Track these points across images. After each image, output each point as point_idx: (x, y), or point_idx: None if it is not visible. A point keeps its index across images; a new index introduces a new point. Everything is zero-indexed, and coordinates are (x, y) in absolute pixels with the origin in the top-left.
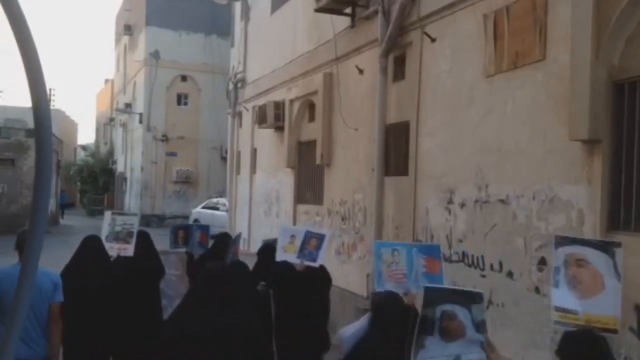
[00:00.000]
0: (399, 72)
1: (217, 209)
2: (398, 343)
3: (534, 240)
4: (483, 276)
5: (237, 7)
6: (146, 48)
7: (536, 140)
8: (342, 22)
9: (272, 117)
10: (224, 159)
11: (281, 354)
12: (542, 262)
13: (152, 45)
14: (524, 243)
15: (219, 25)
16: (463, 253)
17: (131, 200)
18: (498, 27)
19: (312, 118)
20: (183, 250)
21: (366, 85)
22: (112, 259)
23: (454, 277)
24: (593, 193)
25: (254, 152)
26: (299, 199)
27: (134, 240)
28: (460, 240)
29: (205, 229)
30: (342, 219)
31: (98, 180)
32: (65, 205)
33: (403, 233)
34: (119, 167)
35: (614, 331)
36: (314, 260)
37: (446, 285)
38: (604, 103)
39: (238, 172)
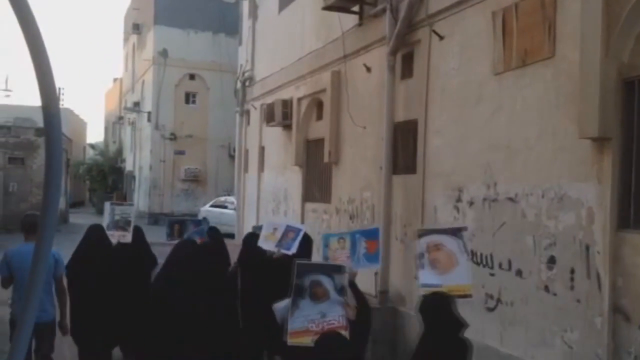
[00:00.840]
0: (407, 70)
1: (225, 207)
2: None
3: (543, 239)
4: (492, 275)
5: (245, 6)
6: (154, 47)
7: (545, 138)
8: (350, 20)
9: (280, 115)
10: (232, 157)
11: (245, 326)
12: (552, 260)
13: (160, 44)
14: (533, 241)
15: (227, 23)
16: (472, 251)
17: (140, 199)
18: (507, 25)
19: (320, 116)
20: (178, 242)
21: (374, 84)
22: (113, 245)
23: None
24: (603, 191)
25: (261, 150)
26: (307, 197)
27: (131, 227)
28: (469, 239)
29: (198, 223)
30: (350, 218)
31: (107, 179)
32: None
33: (411, 231)
34: (128, 166)
35: (469, 296)
36: (289, 249)
37: (368, 262)
38: (613, 101)
39: (246, 171)
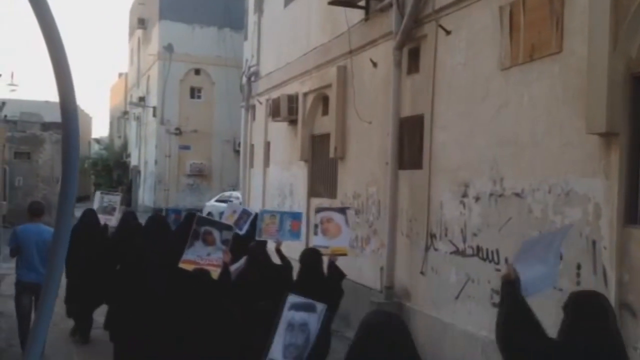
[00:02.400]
0: (414, 65)
1: (230, 202)
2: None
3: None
4: (498, 270)
5: (251, 0)
6: (160, 41)
7: (552, 133)
8: (356, 14)
9: (286, 110)
10: (237, 152)
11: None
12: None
13: (165, 38)
14: None
15: (232, 18)
16: (477, 247)
17: (145, 194)
18: (514, 19)
19: (325, 111)
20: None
21: (380, 79)
22: (101, 225)
23: (468, 270)
24: (610, 186)
25: (267, 145)
26: (313, 192)
27: (116, 212)
28: (475, 234)
29: (178, 212)
30: (356, 213)
31: (112, 174)
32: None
33: (417, 226)
34: (133, 161)
35: (345, 254)
36: (241, 229)
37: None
38: (621, 96)
39: (251, 166)
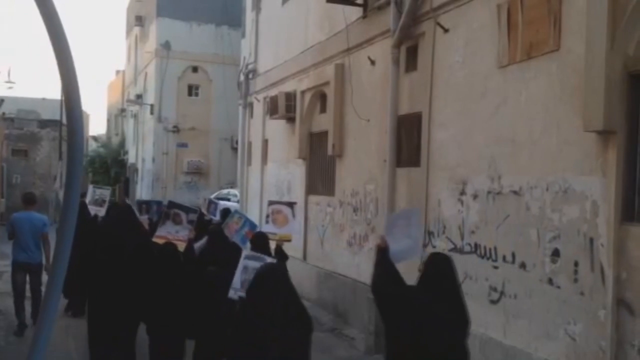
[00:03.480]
0: (412, 63)
1: (228, 199)
2: None
3: (547, 232)
4: (495, 267)
5: None
6: (157, 39)
7: (550, 131)
8: (354, 12)
9: (284, 108)
10: (235, 150)
11: None
12: (556, 253)
13: (163, 36)
14: (537, 234)
15: (230, 15)
16: (475, 244)
17: (142, 191)
18: (512, 18)
19: (323, 109)
20: (146, 217)
21: (378, 76)
22: (91, 215)
23: (466, 268)
24: (607, 184)
25: (265, 143)
26: (311, 190)
27: (106, 204)
28: (473, 232)
29: (159, 204)
30: (354, 210)
31: (110, 171)
32: None
33: None
34: (131, 158)
35: (290, 240)
36: (214, 215)
37: (240, 241)
38: (619, 94)
39: (249, 163)
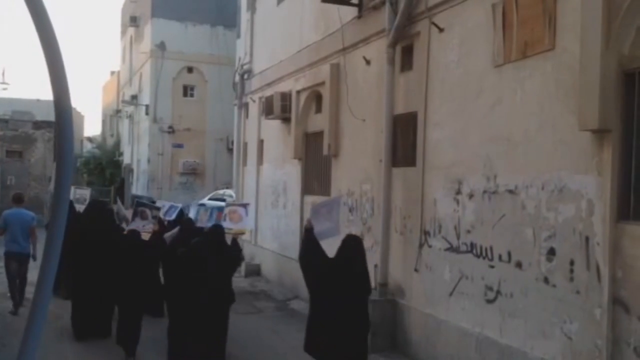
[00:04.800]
0: (407, 62)
1: (223, 200)
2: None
3: (542, 231)
4: (492, 267)
5: None
6: (152, 39)
7: (545, 130)
8: (349, 12)
9: (279, 108)
10: (231, 150)
11: None
12: (551, 252)
13: (158, 36)
14: (532, 233)
15: (225, 16)
16: (471, 244)
17: (138, 192)
18: (507, 17)
19: (319, 109)
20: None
21: (373, 76)
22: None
23: (462, 267)
24: (603, 183)
25: (260, 143)
26: (306, 190)
27: (86, 202)
28: (469, 231)
29: (150, 200)
30: (350, 210)
31: (105, 172)
32: None
33: (411, 223)
34: (126, 159)
35: (244, 234)
36: (170, 217)
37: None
38: (614, 93)
39: (245, 164)
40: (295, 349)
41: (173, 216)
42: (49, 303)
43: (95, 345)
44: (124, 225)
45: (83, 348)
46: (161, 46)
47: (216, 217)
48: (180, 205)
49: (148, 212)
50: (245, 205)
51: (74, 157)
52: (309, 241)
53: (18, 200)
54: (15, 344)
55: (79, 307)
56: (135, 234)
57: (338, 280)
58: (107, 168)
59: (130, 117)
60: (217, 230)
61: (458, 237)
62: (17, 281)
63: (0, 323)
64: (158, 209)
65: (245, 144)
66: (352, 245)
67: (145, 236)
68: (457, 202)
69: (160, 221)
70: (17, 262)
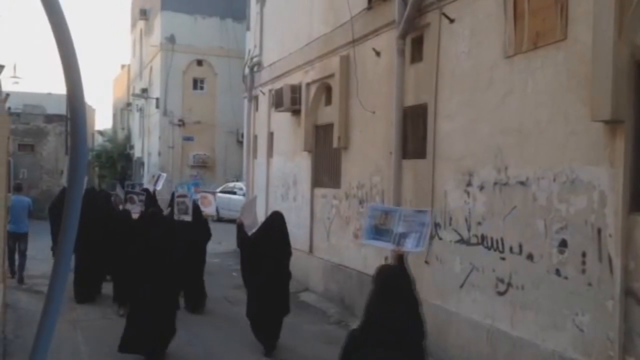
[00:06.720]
0: (417, 54)
1: (234, 193)
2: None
3: (554, 223)
4: (503, 259)
5: None
6: (162, 33)
7: (557, 121)
8: (359, 3)
9: (289, 100)
10: (241, 143)
11: None
12: (563, 244)
13: (167, 29)
14: (544, 225)
15: (234, 8)
16: (482, 236)
17: (148, 185)
18: (518, 7)
19: (329, 101)
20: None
21: (383, 68)
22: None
23: (472, 259)
24: (615, 174)
25: (270, 136)
26: (317, 182)
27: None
28: (479, 223)
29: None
30: (360, 202)
31: (116, 166)
32: None
33: None
34: (137, 152)
35: (212, 216)
36: (157, 186)
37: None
38: (626, 83)
39: (255, 156)
40: (308, 341)
41: (159, 186)
42: (63, 296)
43: (106, 335)
44: (120, 207)
45: (95, 339)
46: (171, 39)
47: (194, 191)
48: (165, 175)
49: (135, 197)
50: (214, 193)
51: (87, 150)
52: (241, 232)
53: (18, 188)
54: (29, 334)
55: (78, 276)
56: (127, 213)
57: (258, 254)
58: (118, 161)
59: (141, 110)
60: (197, 210)
61: (469, 229)
62: (15, 255)
63: (14, 315)
64: (143, 194)
65: (255, 137)
66: (275, 219)
67: (135, 216)
68: (468, 194)
69: (148, 194)
70: (17, 240)
